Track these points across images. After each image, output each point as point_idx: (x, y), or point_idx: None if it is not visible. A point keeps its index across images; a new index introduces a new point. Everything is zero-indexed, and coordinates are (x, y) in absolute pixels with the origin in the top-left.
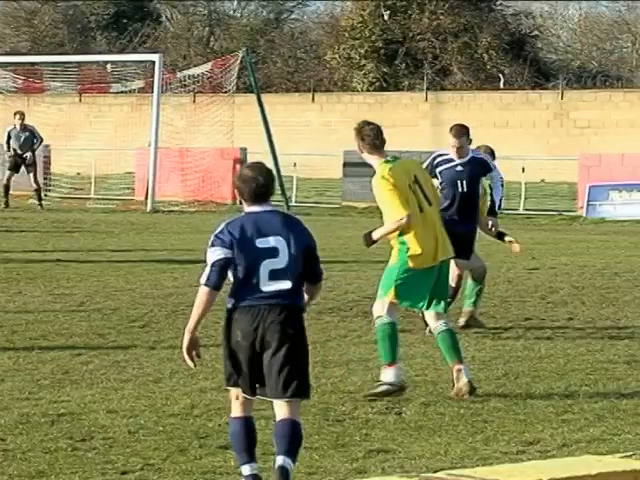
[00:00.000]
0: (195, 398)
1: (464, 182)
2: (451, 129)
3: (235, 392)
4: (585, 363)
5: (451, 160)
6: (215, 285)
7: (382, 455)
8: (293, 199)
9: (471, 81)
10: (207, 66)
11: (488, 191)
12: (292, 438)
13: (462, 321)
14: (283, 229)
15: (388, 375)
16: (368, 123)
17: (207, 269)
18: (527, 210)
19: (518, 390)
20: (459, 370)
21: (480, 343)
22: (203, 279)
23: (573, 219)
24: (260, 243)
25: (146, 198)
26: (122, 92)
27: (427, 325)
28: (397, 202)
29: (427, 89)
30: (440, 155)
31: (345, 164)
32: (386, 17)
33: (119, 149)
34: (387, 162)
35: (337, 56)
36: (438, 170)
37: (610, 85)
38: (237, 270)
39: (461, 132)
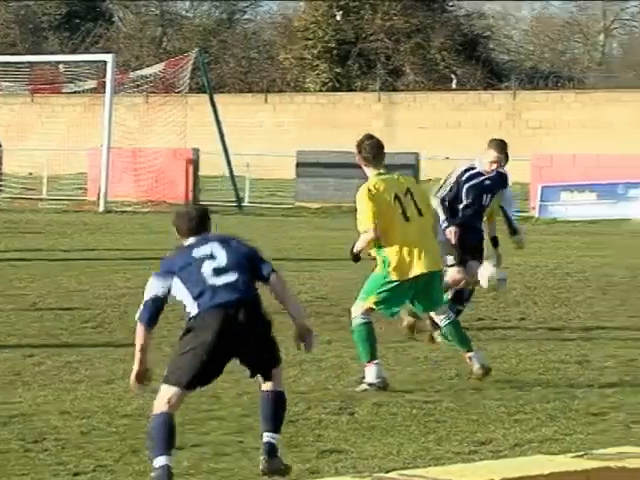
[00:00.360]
0: (148, 399)
1: (488, 196)
2: (492, 143)
3: (170, 392)
4: (537, 363)
5: (480, 174)
6: (148, 322)
7: (335, 455)
8: (246, 199)
9: (424, 82)
10: (160, 66)
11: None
12: (277, 413)
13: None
14: (218, 240)
15: (369, 374)
16: (369, 137)
17: (142, 305)
18: None
19: (470, 390)
20: (470, 358)
21: (433, 343)
22: (137, 315)
23: (525, 219)
24: (196, 253)
25: (99, 198)
26: (75, 92)
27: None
28: (369, 214)
29: (380, 89)
30: (468, 170)
31: (298, 164)
32: (339, 18)
33: (71, 149)
34: (379, 175)
35: (290, 56)
36: (468, 185)
37: (562, 86)
38: (184, 281)
39: (503, 147)
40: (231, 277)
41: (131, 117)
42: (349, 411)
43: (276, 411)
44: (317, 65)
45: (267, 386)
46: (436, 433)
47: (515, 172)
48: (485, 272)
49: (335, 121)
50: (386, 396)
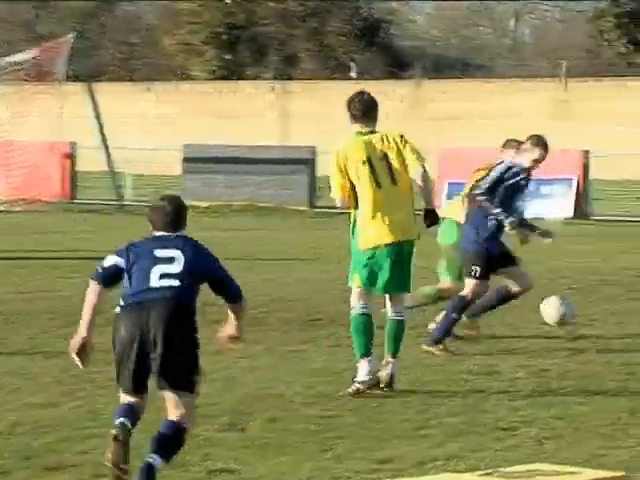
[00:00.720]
0: (20, 415)
1: (520, 196)
2: (539, 140)
3: (125, 396)
4: (444, 374)
5: (519, 173)
6: (103, 280)
7: (224, 475)
8: (127, 197)
9: (321, 69)
10: (33, 52)
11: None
12: (171, 446)
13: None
14: (184, 247)
15: (360, 372)
16: (360, 93)
17: (97, 268)
18: None
19: (372, 404)
20: (388, 363)
21: (331, 353)
22: (91, 275)
23: None
24: (158, 253)
25: None
26: None
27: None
28: (335, 181)
29: (274, 78)
30: (514, 166)
31: (185, 159)
32: (228, 0)
33: None
34: (359, 134)
35: (174, 42)
36: (510, 182)
37: (470, 74)
38: (131, 276)
39: (547, 147)
40: (173, 282)
41: (2, 107)
42: (240, 427)
43: (170, 443)
44: (205, 51)
45: (172, 414)
46: (334, 450)
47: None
48: (551, 309)
49: (225, 112)
50: (280, 410)
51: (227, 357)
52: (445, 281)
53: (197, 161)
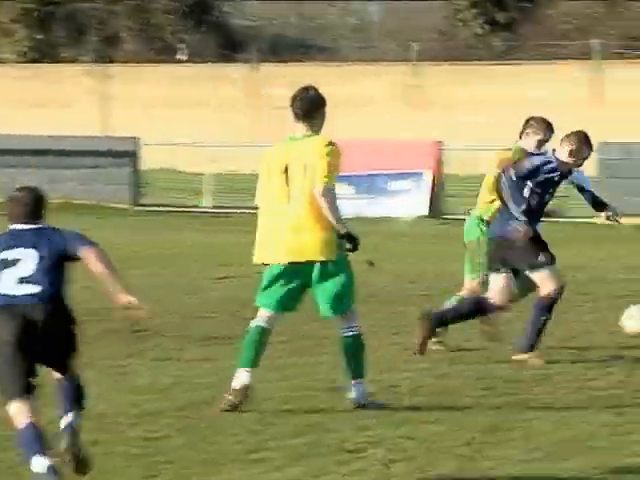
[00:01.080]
0: None
1: (551, 195)
2: (586, 141)
3: (15, 405)
4: (282, 390)
5: (555, 170)
6: None
7: None
8: None
9: (145, 51)
10: None
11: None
12: (74, 394)
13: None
14: (33, 241)
15: (236, 381)
16: (306, 89)
17: None
18: (217, 207)
19: (203, 424)
20: (352, 386)
21: (157, 367)
22: None
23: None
24: (3, 255)
25: None
26: None
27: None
28: (258, 187)
29: (93, 61)
30: (553, 161)
31: None
32: None
33: None
34: (291, 138)
35: None
36: (545, 177)
37: (311, 57)
38: None
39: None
40: (34, 288)
41: None
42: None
43: (79, 395)
44: (14, 30)
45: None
46: (162, 476)
47: (255, 162)
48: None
49: (37, 98)
50: (102, 432)
51: (41, 372)
52: (470, 282)
53: (3, 154)
